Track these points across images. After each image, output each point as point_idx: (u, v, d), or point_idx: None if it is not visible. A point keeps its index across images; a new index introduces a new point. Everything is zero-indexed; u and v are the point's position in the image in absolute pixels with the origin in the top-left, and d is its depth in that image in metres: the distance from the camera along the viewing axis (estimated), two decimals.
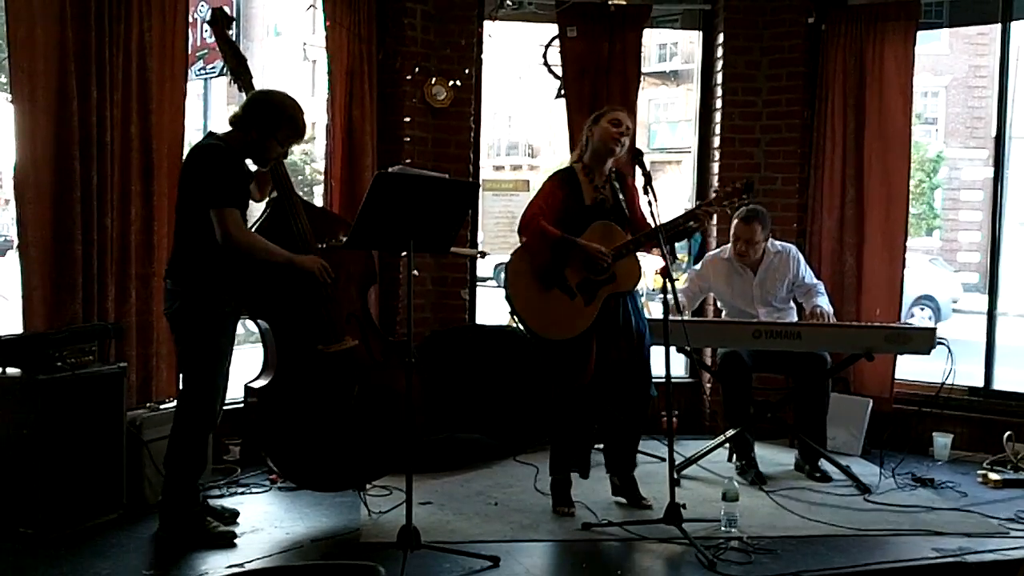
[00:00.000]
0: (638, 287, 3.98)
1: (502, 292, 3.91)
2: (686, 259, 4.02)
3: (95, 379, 3.60)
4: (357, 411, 3.65)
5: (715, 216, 4.32)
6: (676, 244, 3.93)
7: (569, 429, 3.93)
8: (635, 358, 3.88)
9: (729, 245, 4.71)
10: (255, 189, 3.63)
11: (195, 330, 3.38)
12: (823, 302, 4.57)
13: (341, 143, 4.89)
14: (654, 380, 3.98)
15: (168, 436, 3.51)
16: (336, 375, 3.60)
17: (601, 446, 4.09)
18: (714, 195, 3.98)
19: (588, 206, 3.88)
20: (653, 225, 3.76)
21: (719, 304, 5.01)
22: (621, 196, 3.91)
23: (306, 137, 3.42)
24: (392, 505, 3.82)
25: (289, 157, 3.96)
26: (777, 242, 4.78)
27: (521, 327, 3.94)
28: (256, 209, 3.76)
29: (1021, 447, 4.70)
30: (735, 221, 4.60)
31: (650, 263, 3.90)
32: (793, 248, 4.79)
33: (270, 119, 3.38)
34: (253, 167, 3.53)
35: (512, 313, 3.89)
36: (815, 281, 4.73)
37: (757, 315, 4.59)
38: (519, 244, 3.92)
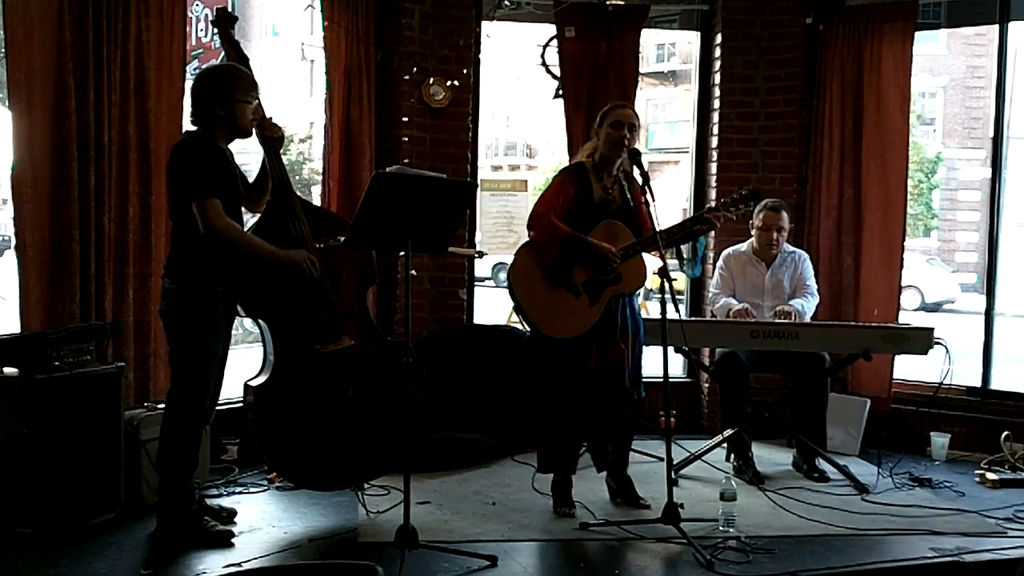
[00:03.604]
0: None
1: (506, 288, 3.89)
2: (690, 259, 3.99)
3: (93, 379, 3.60)
4: (354, 411, 3.65)
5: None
6: (681, 247, 3.93)
7: (560, 428, 3.92)
8: (630, 359, 3.88)
9: (748, 242, 4.77)
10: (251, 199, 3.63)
11: (186, 328, 3.37)
12: (798, 302, 4.59)
13: (339, 143, 4.89)
14: (645, 380, 4.00)
15: None
16: (333, 375, 3.60)
17: (585, 446, 4.07)
18: (722, 200, 3.97)
19: (596, 204, 3.87)
20: (657, 227, 3.74)
21: None
22: (629, 196, 3.90)
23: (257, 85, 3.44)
24: (390, 504, 3.81)
25: (287, 157, 3.96)
26: (789, 245, 4.82)
27: (524, 323, 3.92)
28: None
29: (1019, 447, 4.71)
30: (764, 212, 4.66)
31: (649, 262, 3.88)
32: (806, 254, 4.86)
33: (222, 89, 3.37)
34: (249, 166, 3.53)
35: (516, 310, 3.88)
36: (812, 283, 4.76)
37: (763, 307, 4.63)
38: (527, 240, 3.91)
